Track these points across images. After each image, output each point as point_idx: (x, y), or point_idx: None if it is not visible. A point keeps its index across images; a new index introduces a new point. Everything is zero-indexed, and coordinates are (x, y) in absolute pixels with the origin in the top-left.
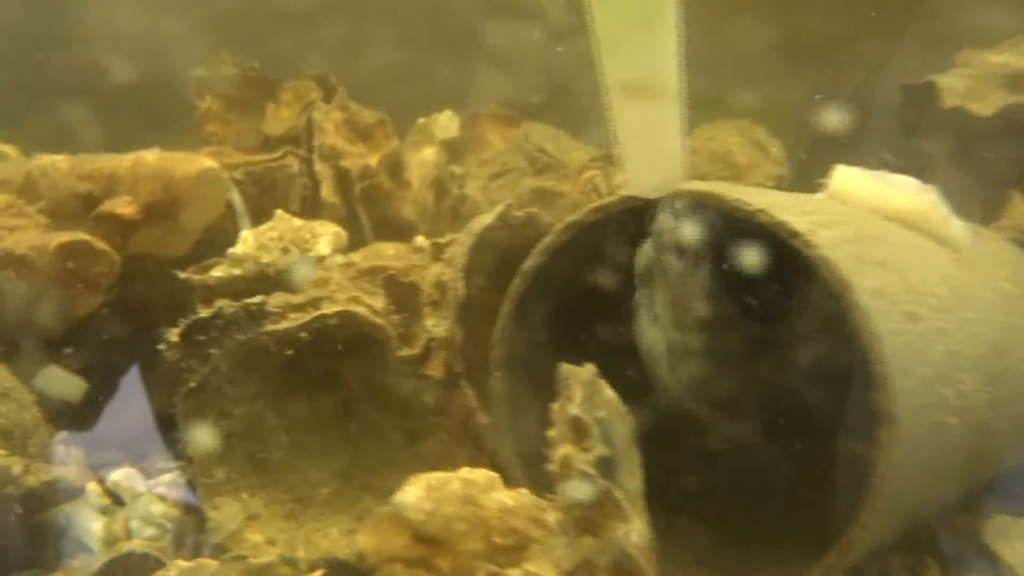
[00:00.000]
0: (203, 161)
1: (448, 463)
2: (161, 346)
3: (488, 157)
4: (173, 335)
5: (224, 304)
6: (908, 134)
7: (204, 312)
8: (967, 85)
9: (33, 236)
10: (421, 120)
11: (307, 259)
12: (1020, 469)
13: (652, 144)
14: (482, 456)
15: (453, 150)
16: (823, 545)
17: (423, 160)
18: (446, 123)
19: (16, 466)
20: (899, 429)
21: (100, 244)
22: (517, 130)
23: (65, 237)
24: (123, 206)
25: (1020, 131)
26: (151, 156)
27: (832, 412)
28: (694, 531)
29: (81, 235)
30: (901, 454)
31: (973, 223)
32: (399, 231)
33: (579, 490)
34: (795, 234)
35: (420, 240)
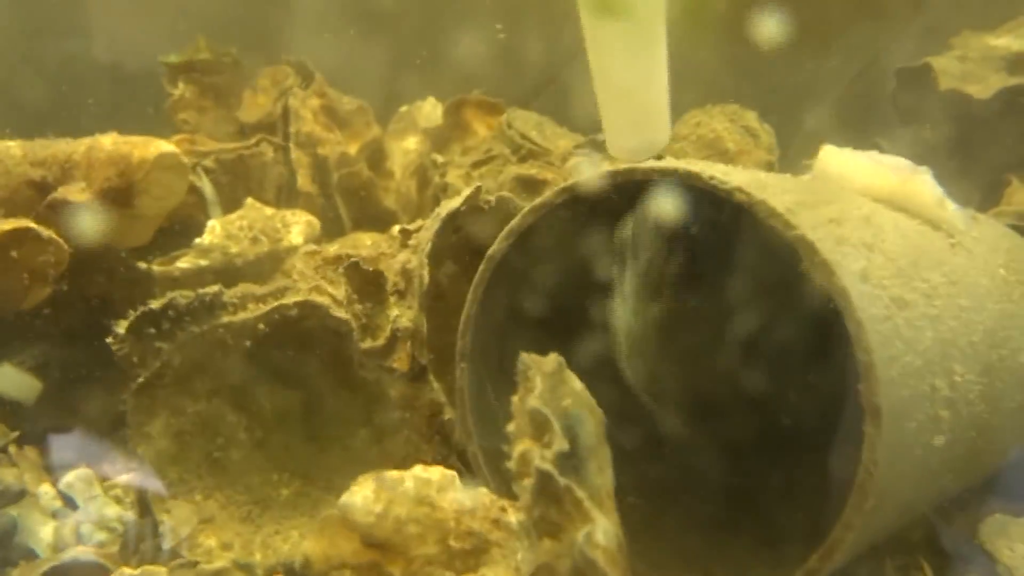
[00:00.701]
0: (161, 145)
1: (415, 460)
2: (108, 339)
3: (471, 145)
4: (121, 327)
5: (177, 294)
6: (903, 119)
7: (155, 303)
8: (964, 68)
9: None
10: (403, 108)
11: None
12: (1018, 466)
13: (635, 105)
14: (451, 453)
15: (436, 138)
16: (811, 546)
17: (406, 149)
18: (429, 111)
19: None
20: (885, 422)
21: (47, 232)
22: (501, 117)
23: (8, 225)
24: (76, 192)
25: (1020, 114)
26: (107, 140)
27: (820, 408)
28: (675, 531)
29: (25, 222)
30: (888, 449)
31: (970, 208)
32: (380, 221)
33: (537, 488)
34: (774, 214)
35: (397, 230)
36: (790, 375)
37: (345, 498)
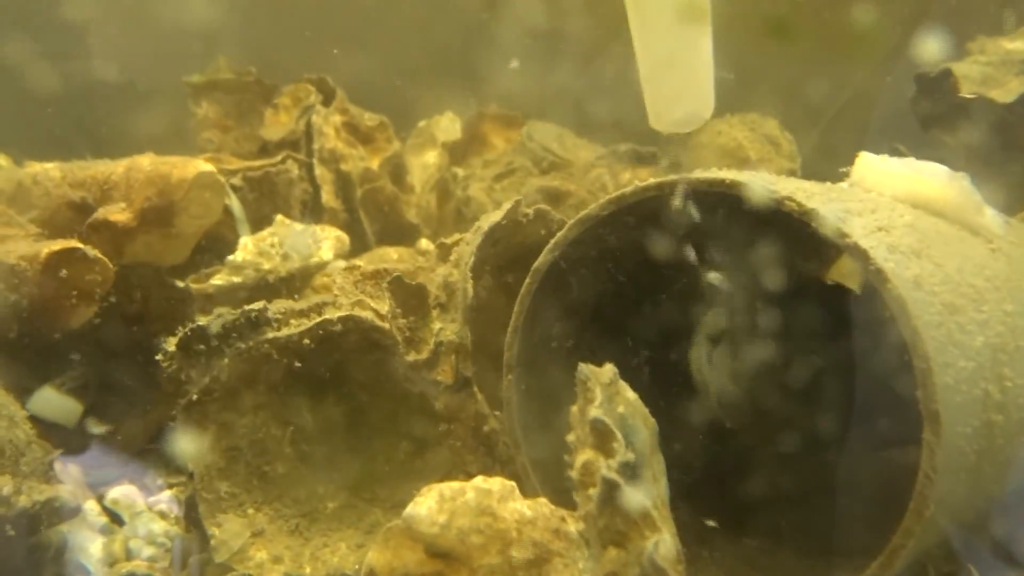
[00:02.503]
0: (199, 165)
1: (460, 471)
2: (158, 356)
3: (492, 158)
4: (171, 344)
5: (224, 311)
6: (923, 124)
7: (203, 320)
8: (984, 72)
9: (24, 245)
10: (422, 123)
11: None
12: None
13: (679, 76)
14: (495, 463)
15: (455, 152)
16: (863, 555)
17: (425, 163)
18: (447, 125)
19: (7, 486)
20: (943, 428)
21: (93, 252)
22: (519, 130)
23: (57, 245)
24: (117, 213)
25: None
26: (145, 161)
27: (871, 417)
28: (725, 540)
29: (73, 243)
30: (946, 455)
31: (1006, 218)
32: (402, 235)
33: (603, 498)
34: (826, 223)
35: (424, 243)
36: (836, 382)
37: (410, 509)
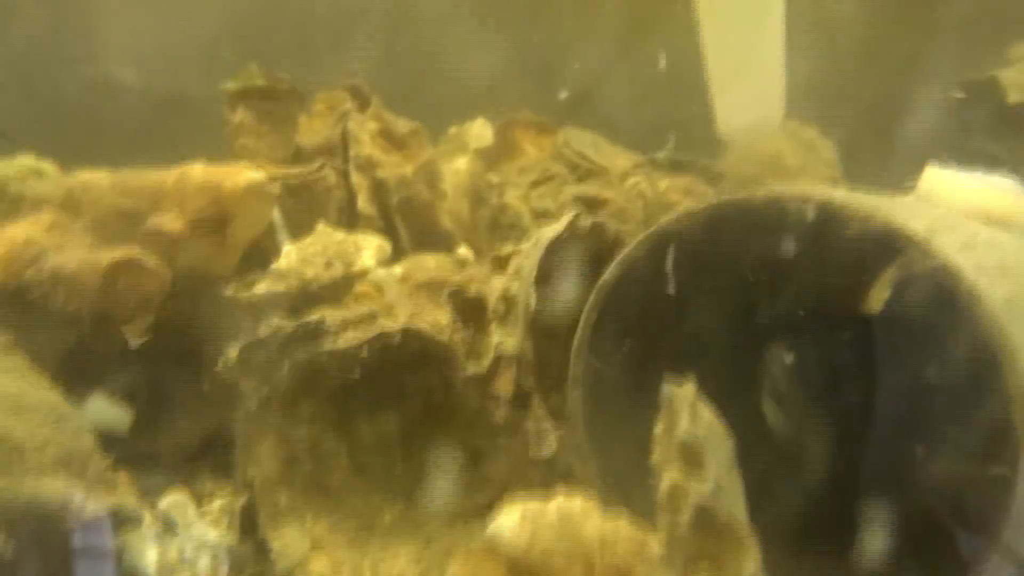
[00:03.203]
0: (250, 174)
1: (520, 485)
2: (219, 367)
3: (527, 165)
4: (232, 353)
5: (282, 323)
6: (967, 133)
7: (264, 331)
8: None
9: (82, 254)
10: (453, 129)
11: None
12: None
13: (749, 81)
14: (554, 477)
15: (486, 159)
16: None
17: (456, 170)
18: (479, 131)
19: (77, 495)
20: None
21: (151, 261)
22: (551, 137)
23: (117, 255)
24: (171, 222)
25: None
26: (197, 170)
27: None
28: (785, 555)
29: (133, 252)
30: None
31: None
32: (436, 242)
33: (695, 521)
34: (913, 240)
35: (463, 251)
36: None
37: (492, 528)
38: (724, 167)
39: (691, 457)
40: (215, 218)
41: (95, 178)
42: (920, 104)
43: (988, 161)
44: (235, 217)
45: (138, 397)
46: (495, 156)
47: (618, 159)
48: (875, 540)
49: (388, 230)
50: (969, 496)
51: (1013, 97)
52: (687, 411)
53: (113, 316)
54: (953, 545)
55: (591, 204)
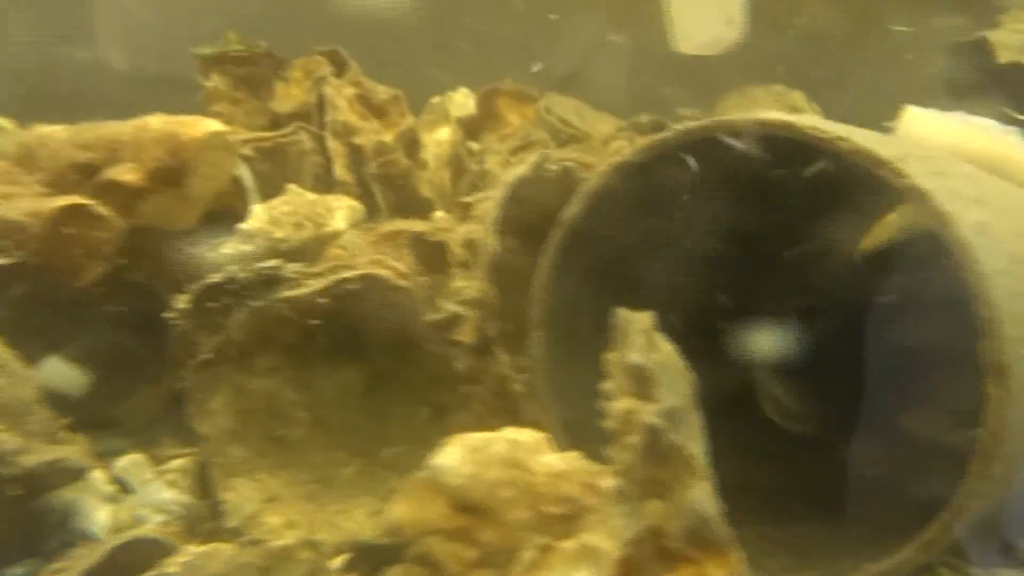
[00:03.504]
0: (210, 124)
1: None
2: (170, 314)
3: (508, 132)
4: (183, 301)
5: (236, 268)
6: (955, 94)
7: (215, 277)
8: (1022, 40)
9: (29, 202)
10: (436, 98)
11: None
12: None
13: None
14: (520, 426)
15: (469, 128)
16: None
17: (438, 139)
18: (462, 101)
19: (10, 443)
20: (1012, 380)
21: (100, 209)
22: (534, 106)
23: (63, 201)
24: (126, 173)
25: None
26: (155, 120)
27: (905, 387)
28: (760, 510)
29: (78, 199)
30: (1014, 411)
31: None
32: (416, 210)
33: (644, 446)
34: (882, 162)
35: (439, 215)
36: (872, 348)
37: (435, 459)
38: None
39: (643, 382)
40: (173, 169)
41: (51, 131)
42: (910, 63)
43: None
44: (194, 169)
45: (98, 358)
46: (479, 125)
47: (600, 124)
48: (851, 475)
49: (365, 197)
50: (943, 427)
51: (1003, 57)
52: (640, 337)
53: (61, 265)
54: (929, 479)
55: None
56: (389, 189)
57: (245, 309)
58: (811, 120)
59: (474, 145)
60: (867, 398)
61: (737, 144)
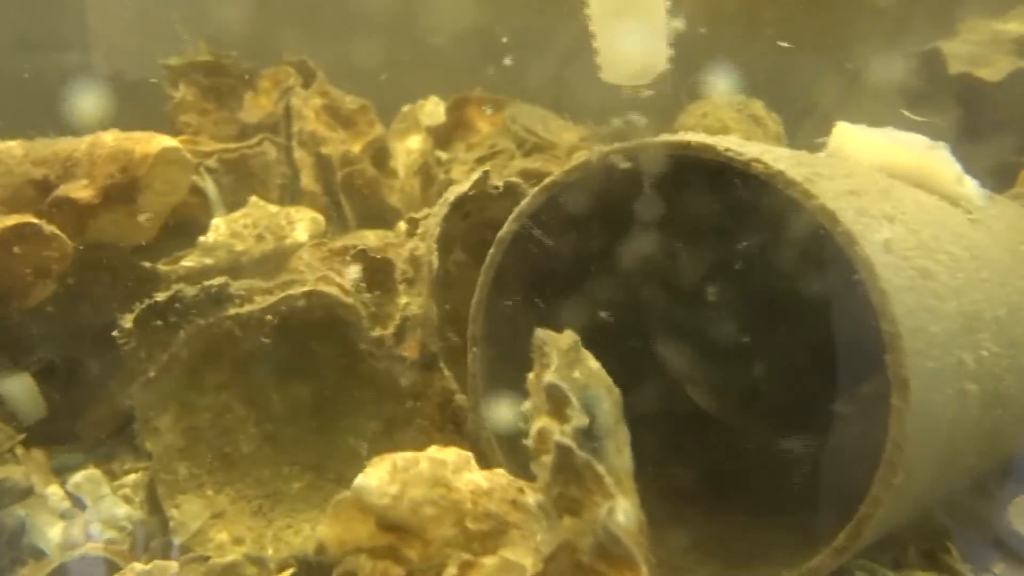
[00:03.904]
0: (163, 140)
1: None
2: (115, 333)
3: (475, 141)
4: (127, 321)
5: (183, 287)
6: (911, 104)
7: (160, 296)
8: (973, 51)
9: None
10: (406, 107)
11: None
12: None
13: (633, 26)
14: (463, 440)
15: (439, 136)
16: (835, 529)
17: (409, 148)
18: (432, 109)
19: None
20: (913, 394)
21: (49, 227)
22: (504, 113)
23: (10, 220)
24: (79, 190)
25: None
26: (109, 137)
27: (841, 390)
28: (696, 518)
29: (28, 218)
30: (916, 423)
31: (989, 192)
32: (385, 220)
33: (557, 464)
34: (792, 183)
35: (402, 226)
36: (802, 353)
37: (359, 480)
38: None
39: (558, 402)
40: (126, 186)
41: (7, 147)
42: (865, 75)
43: (931, 132)
44: (148, 184)
45: (55, 372)
46: (449, 133)
47: (565, 133)
48: (769, 487)
49: (333, 207)
50: (850, 431)
51: (954, 68)
52: (557, 357)
53: (10, 284)
54: (846, 491)
55: (537, 177)
56: (356, 199)
57: (192, 327)
58: (729, 142)
59: (442, 154)
60: (792, 405)
61: (657, 166)
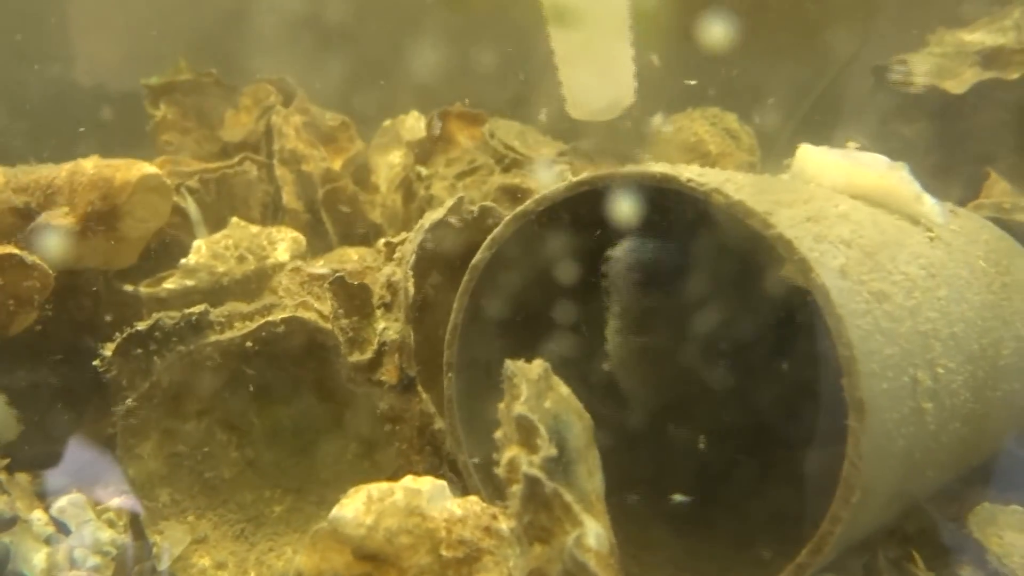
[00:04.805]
0: (144, 167)
1: (407, 472)
2: (96, 362)
3: (455, 156)
4: (108, 349)
5: (164, 315)
6: (881, 117)
7: (141, 324)
8: (939, 63)
9: None
10: (387, 122)
11: None
12: (1005, 456)
13: (599, 60)
14: (443, 464)
15: (420, 151)
16: (800, 545)
17: (390, 163)
18: (412, 124)
19: None
20: (868, 415)
21: (31, 257)
22: (483, 128)
23: None
24: (60, 217)
25: (995, 108)
26: (89, 164)
27: (806, 411)
28: (668, 537)
29: (9, 248)
30: (873, 442)
31: (950, 203)
32: (367, 236)
33: (526, 494)
34: (752, 213)
35: (382, 243)
36: (768, 376)
37: (335, 512)
38: (646, 155)
39: (526, 432)
40: (107, 212)
41: None
42: (837, 89)
43: (902, 144)
44: (128, 211)
45: (40, 397)
46: (429, 148)
47: (543, 148)
48: (735, 507)
49: (315, 224)
50: (805, 457)
51: (920, 80)
52: (527, 387)
53: None
54: (796, 504)
55: (515, 193)
56: (337, 216)
57: (172, 354)
58: (691, 172)
59: (423, 170)
60: (760, 427)
61: (625, 195)
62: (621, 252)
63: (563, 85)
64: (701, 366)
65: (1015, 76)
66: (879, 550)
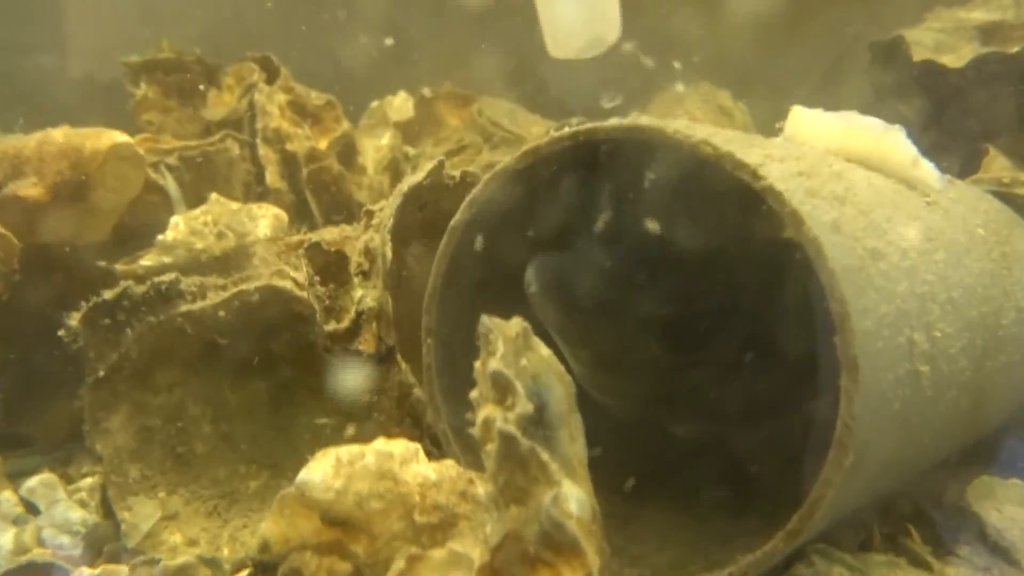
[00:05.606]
0: (114, 135)
1: None
2: (61, 332)
3: (444, 136)
4: (73, 319)
5: (131, 284)
6: (877, 93)
7: (108, 293)
8: (937, 39)
9: None
10: (375, 103)
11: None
12: (1003, 428)
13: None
14: (423, 434)
15: (408, 132)
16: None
17: (378, 144)
18: (400, 104)
19: None
20: (862, 374)
21: None
22: (472, 107)
23: None
24: (27, 188)
25: (993, 82)
26: (58, 133)
27: (795, 376)
28: (657, 511)
29: None
30: (867, 403)
31: (948, 176)
32: (352, 216)
33: (501, 453)
34: (741, 165)
35: (363, 213)
36: (760, 342)
37: (302, 475)
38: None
39: (502, 389)
40: (76, 183)
41: None
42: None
43: (899, 122)
44: (99, 181)
45: (7, 374)
46: (418, 129)
47: (533, 127)
48: (717, 484)
49: (300, 204)
50: (798, 423)
51: (917, 55)
52: (503, 344)
53: None
54: (790, 472)
55: None
56: (323, 196)
57: (141, 325)
58: (679, 125)
59: (411, 150)
60: (747, 390)
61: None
62: (533, 275)
63: (542, 21)
64: (685, 343)
65: (1015, 49)
66: (874, 525)
